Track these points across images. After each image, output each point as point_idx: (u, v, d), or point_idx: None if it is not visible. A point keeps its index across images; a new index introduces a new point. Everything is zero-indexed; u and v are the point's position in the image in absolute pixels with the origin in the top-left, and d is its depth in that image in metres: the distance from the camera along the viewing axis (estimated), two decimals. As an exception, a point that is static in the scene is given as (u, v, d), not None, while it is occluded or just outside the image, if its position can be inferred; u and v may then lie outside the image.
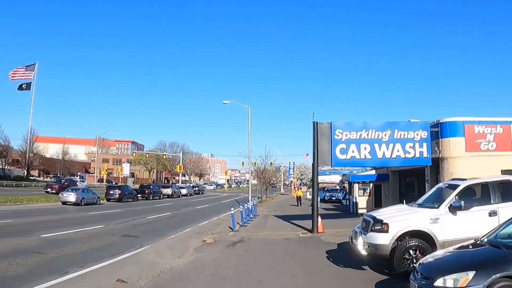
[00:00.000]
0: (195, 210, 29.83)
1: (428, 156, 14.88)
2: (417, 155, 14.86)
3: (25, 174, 60.42)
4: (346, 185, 34.13)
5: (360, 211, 23.75)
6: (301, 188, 48.76)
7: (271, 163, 52.05)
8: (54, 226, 16.11)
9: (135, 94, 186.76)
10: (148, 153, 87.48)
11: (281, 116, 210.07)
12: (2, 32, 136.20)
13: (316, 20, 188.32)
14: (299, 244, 12.74)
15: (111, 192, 35.66)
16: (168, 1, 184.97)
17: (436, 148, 15.08)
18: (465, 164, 14.29)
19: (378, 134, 14.96)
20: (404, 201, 10.45)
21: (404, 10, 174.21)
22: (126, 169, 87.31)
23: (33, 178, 63.46)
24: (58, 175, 63.96)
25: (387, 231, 8.02)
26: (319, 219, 15.14)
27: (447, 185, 9.41)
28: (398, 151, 14.89)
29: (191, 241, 13.49)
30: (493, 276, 4.81)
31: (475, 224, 7.93)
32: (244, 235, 14.58)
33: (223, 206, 33.09)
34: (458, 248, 6.25)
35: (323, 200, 37.09)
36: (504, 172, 13.44)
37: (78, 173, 77.10)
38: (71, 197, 28.66)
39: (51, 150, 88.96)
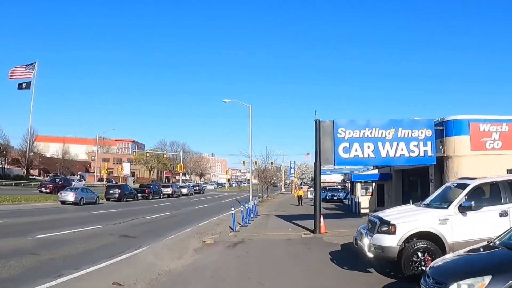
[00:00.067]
0: (195, 209, 29.56)
1: (433, 155, 14.54)
2: (422, 154, 14.52)
3: (25, 174, 60.21)
4: (348, 185, 33.92)
5: (362, 211, 23.58)
6: (302, 188, 48.53)
7: (272, 162, 51.83)
8: (51, 226, 15.85)
9: (135, 94, 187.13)
10: (149, 152, 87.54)
11: (282, 116, 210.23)
12: (2, 32, 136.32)
13: (316, 20, 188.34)
14: (301, 245, 12.45)
15: (110, 191, 35.41)
16: (168, 1, 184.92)
17: (440, 147, 14.76)
18: (470, 163, 14.00)
19: (382, 133, 14.65)
20: (411, 201, 10.15)
21: (404, 10, 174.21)
22: (126, 168, 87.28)
23: (33, 177, 63.21)
24: (59, 174, 63.72)
25: (394, 233, 7.70)
26: (322, 219, 14.83)
27: (455, 184, 9.10)
28: (402, 149, 14.56)
29: (190, 242, 13.22)
30: (511, 281, 4.50)
31: (485, 225, 7.65)
32: (245, 236, 14.31)
33: (223, 205, 32.86)
34: (470, 251, 5.94)
35: (324, 200, 36.79)
36: (510, 171, 13.19)
37: (79, 173, 77.02)
38: (70, 196, 28.41)
39: (52, 150, 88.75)
